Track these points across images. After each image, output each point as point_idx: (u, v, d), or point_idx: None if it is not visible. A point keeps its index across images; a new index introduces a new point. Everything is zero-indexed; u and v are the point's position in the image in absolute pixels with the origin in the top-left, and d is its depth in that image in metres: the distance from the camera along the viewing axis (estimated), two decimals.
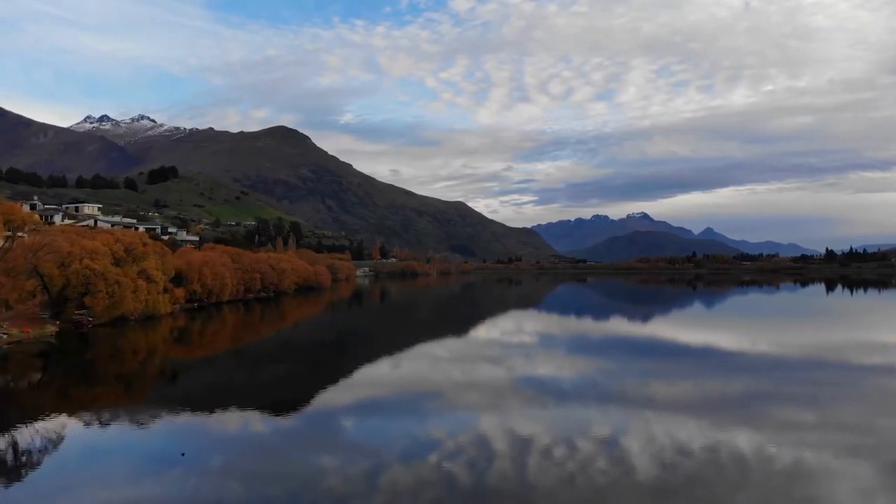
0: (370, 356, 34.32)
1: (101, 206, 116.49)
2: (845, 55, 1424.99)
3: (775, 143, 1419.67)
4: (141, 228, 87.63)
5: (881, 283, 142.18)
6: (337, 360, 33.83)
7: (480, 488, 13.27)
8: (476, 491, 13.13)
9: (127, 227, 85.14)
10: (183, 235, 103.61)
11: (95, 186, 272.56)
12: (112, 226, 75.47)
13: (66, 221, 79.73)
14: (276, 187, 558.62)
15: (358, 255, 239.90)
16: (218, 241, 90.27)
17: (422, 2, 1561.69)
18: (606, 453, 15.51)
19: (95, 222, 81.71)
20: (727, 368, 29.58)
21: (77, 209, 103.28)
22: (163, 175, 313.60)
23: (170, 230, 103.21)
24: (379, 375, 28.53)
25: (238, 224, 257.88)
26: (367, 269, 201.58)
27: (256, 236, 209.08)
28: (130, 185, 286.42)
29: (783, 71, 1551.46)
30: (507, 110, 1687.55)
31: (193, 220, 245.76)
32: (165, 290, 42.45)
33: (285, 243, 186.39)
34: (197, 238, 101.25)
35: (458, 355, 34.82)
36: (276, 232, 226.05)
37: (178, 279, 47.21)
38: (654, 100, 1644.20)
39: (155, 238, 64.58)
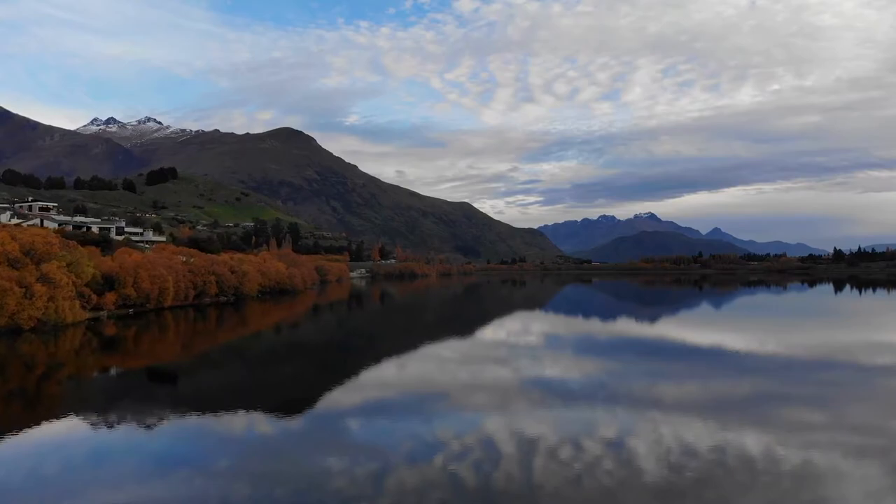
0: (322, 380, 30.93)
1: (55, 205, 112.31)
2: (852, 54, 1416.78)
3: (783, 142, 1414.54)
4: (94, 228, 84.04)
5: (890, 283, 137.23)
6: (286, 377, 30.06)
7: (487, 489, 13.07)
8: (483, 492, 12.92)
9: (78, 226, 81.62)
10: (149, 236, 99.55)
11: (93, 188, 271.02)
12: (60, 225, 71.70)
13: (14, 221, 76.05)
14: (282, 189, 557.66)
15: (357, 256, 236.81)
16: (194, 242, 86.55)
17: (426, 3, 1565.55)
18: (614, 454, 15.23)
19: (42, 221, 77.80)
20: (734, 369, 28.73)
21: (30, 208, 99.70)
22: (162, 176, 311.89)
23: (126, 229, 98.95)
24: (362, 388, 25.50)
25: (236, 225, 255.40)
26: (363, 270, 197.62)
27: (253, 237, 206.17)
28: (129, 186, 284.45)
29: (790, 70, 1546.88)
30: (512, 111, 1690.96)
31: (190, 222, 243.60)
32: (81, 296, 38.45)
33: (279, 244, 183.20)
34: (164, 239, 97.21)
35: (463, 357, 33.57)
36: (273, 233, 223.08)
37: (111, 283, 43.34)
38: (661, 99, 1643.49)
39: (104, 239, 60.99)
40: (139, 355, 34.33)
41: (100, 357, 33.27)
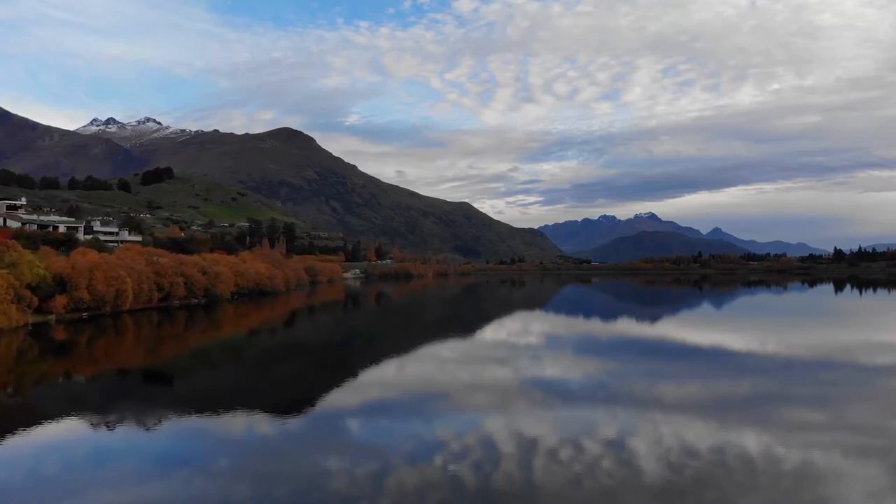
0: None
1: (9, 202, 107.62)
2: (853, 53, 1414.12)
3: (783, 142, 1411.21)
4: (62, 227, 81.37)
5: (891, 283, 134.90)
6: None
7: (487, 489, 13.16)
8: (483, 492, 13.01)
9: (44, 225, 79.19)
10: (124, 236, 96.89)
11: (88, 188, 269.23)
12: (23, 224, 69.46)
13: None
14: (281, 189, 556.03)
15: (354, 256, 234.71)
16: (173, 242, 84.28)
17: (425, 3, 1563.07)
18: (614, 454, 15.31)
19: (5, 220, 75.21)
20: (735, 369, 28.78)
21: None
22: (157, 176, 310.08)
23: (97, 229, 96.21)
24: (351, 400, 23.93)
25: (231, 225, 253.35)
26: (357, 270, 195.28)
27: (248, 238, 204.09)
28: (124, 186, 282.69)
29: (790, 70, 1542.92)
30: (512, 111, 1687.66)
31: (185, 222, 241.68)
32: (20, 299, 36.22)
33: (272, 244, 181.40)
34: (139, 239, 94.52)
35: (463, 357, 33.72)
36: (268, 233, 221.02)
37: (63, 285, 41.12)
38: (661, 99, 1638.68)
39: (69, 238, 58.79)
40: (92, 361, 32.37)
41: (49, 364, 31.23)
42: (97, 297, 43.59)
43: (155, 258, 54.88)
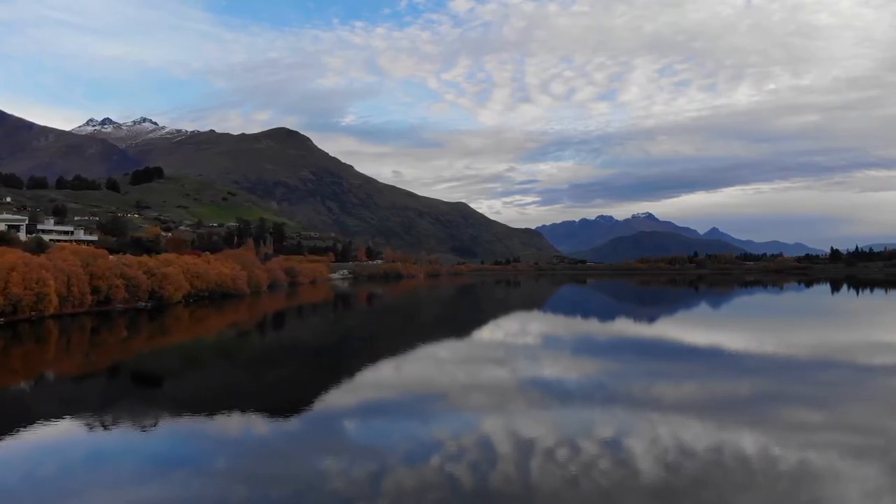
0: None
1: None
2: (850, 53, 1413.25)
3: (781, 141, 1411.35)
4: (2, 225, 77.87)
5: (889, 283, 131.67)
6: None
7: (485, 490, 12.97)
8: (481, 493, 12.83)
9: None
10: (80, 235, 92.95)
11: (76, 188, 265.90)
12: None
13: None
14: (277, 189, 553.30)
15: (344, 256, 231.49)
16: (136, 242, 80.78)
17: (421, 3, 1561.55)
18: (612, 455, 15.06)
19: None
20: (733, 369, 28.42)
21: None
22: (147, 176, 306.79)
23: (43, 228, 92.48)
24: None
25: (220, 225, 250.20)
26: (345, 271, 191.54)
27: (236, 238, 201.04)
28: (113, 186, 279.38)
29: (787, 69, 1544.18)
30: (509, 111, 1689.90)
31: (173, 222, 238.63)
32: None
33: (258, 244, 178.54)
34: (96, 238, 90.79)
35: (460, 358, 33.17)
36: (256, 233, 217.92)
37: None
38: (657, 99, 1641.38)
39: (2, 238, 55.25)
40: (9, 370, 29.00)
41: None
42: (13, 300, 40.15)
43: (92, 259, 51.21)
